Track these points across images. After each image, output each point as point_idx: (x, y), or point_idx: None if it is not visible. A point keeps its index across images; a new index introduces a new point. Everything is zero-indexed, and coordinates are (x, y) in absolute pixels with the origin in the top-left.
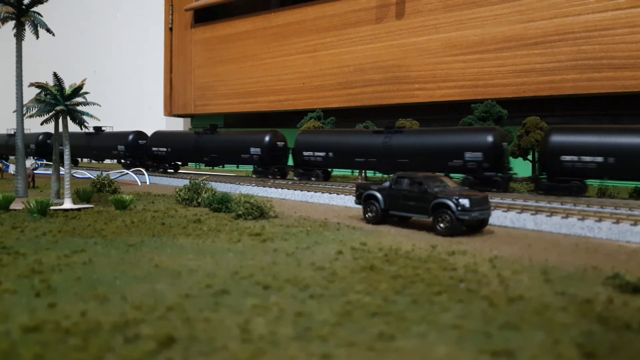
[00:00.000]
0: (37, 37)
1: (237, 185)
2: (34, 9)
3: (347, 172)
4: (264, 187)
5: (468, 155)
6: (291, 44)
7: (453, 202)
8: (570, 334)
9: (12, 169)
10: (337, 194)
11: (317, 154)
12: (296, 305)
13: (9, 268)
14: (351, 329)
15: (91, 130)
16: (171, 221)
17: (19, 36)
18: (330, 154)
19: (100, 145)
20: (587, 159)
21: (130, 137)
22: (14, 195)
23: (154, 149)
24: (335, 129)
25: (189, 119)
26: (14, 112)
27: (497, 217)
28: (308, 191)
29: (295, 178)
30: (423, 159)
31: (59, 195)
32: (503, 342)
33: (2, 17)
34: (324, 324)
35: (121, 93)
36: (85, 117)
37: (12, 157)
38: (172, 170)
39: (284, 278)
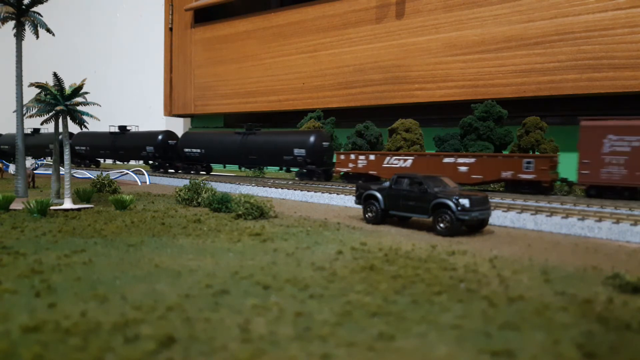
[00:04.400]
0: (37, 37)
1: (237, 185)
2: (34, 9)
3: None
4: (264, 187)
5: None
6: (291, 44)
7: (453, 202)
8: (570, 334)
9: (12, 169)
10: (337, 194)
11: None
12: (296, 305)
13: (9, 268)
14: (351, 329)
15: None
16: (171, 221)
17: (19, 36)
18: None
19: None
20: (195, 150)
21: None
22: (14, 195)
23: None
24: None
25: (189, 119)
26: (14, 112)
27: (497, 217)
28: (308, 191)
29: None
30: None
31: (59, 195)
32: (503, 342)
33: (2, 17)
34: (324, 324)
35: (121, 93)
36: (85, 117)
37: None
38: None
39: (284, 278)
